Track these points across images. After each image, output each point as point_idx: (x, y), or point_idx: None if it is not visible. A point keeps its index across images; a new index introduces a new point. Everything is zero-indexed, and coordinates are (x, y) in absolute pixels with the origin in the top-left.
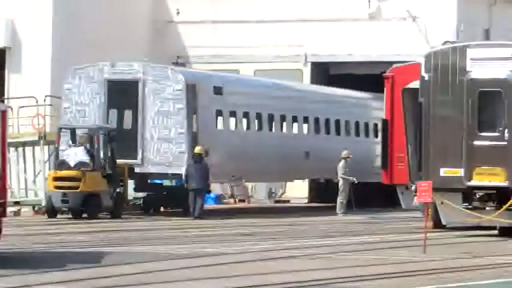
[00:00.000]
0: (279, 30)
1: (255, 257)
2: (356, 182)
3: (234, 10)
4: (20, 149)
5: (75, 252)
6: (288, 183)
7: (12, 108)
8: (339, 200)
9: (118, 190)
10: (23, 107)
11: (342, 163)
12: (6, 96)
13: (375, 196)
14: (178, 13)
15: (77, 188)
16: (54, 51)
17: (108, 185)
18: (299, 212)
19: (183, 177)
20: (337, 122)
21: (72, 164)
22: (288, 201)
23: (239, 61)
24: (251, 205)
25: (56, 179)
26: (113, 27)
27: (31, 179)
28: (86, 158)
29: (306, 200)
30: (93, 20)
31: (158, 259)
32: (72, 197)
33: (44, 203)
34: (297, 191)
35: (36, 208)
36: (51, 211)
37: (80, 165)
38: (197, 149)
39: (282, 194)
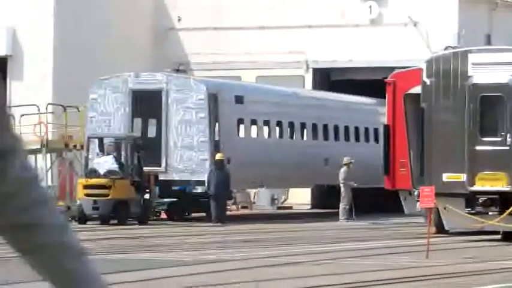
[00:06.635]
0: (281, 36)
1: (259, 264)
2: (355, 185)
3: (235, 17)
4: None
5: None
6: (291, 190)
7: (14, 117)
8: (342, 206)
9: (145, 197)
10: (24, 115)
11: (343, 169)
12: (8, 105)
13: (387, 201)
14: (179, 20)
15: (107, 195)
16: (56, 59)
17: (136, 192)
18: (302, 218)
19: (205, 183)
20: (356, 128)
21: (102, 172)
22: (290, 208)
23: (240, 68)
24: (254, 211)
25: (86, 186)
26: (114, 35)
27: None
28: (115, 167)
29: (309, 206)
30: (94, 26)
31: (161, 266)
32: (103, 204)
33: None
34: (299, 197)
35: None
36: (82, 218)
37: (109, 173)
38: (218, 156)
39: (285, 200)
